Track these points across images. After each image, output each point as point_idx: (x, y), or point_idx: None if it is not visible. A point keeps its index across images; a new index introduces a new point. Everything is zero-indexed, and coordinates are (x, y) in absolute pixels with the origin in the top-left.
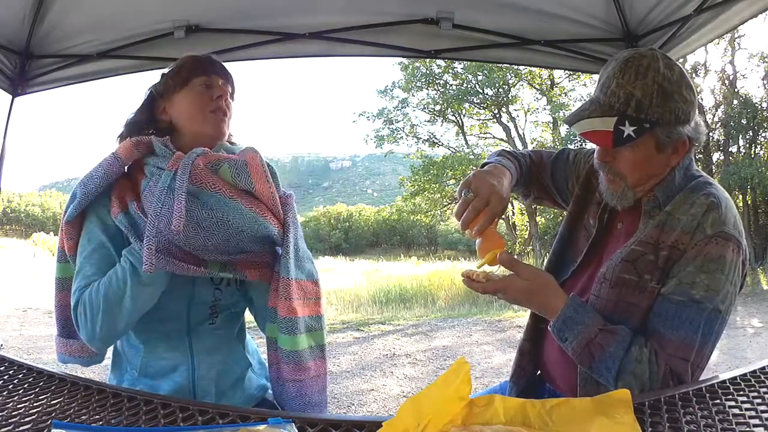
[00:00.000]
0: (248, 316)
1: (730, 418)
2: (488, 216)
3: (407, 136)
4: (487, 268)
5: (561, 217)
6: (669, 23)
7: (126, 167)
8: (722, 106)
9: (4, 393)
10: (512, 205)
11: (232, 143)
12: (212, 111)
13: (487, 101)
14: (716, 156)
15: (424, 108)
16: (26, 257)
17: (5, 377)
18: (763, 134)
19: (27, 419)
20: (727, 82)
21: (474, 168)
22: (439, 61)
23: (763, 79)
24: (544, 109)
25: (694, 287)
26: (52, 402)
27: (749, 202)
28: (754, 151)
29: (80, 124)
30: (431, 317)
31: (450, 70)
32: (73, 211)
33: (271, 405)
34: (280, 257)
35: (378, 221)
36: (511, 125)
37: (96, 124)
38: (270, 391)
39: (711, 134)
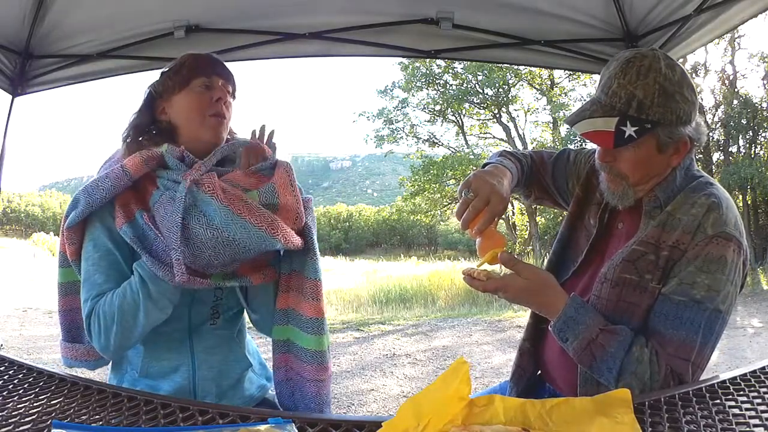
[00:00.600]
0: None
1: (730, 418)
2: (488, 215)
3: (407, 136)
4: (487, 267)
5: (561, 217)
6: (669, 23)
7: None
8: (722, 106)
9: (4, 393)
10: (512, 205)
11: (232, 136)
12: (211, 115)
13: (487, 101)
14: (716, 156)
15: (424, 108)
16: (26, 257)
17: (5, 377)
18: (763, 134)
19: (27, 419)
20: (727, 82)
21: (474, 168)
22: (439, 61)
23: (763, 79)
24: (544, 109)
25: (695, 287)
26: (52, 402)
27: (749, 202)
28: (754, 151)
29: (80, 124)
30: (431, 317)
31: (450, 70)
32: (75, 217)
33: (271, 405)
34: (306, 259)
35: (378, 221)
36: (511, 125)
37: (96, 124)
38: (271, 392)
39: (711, 134)
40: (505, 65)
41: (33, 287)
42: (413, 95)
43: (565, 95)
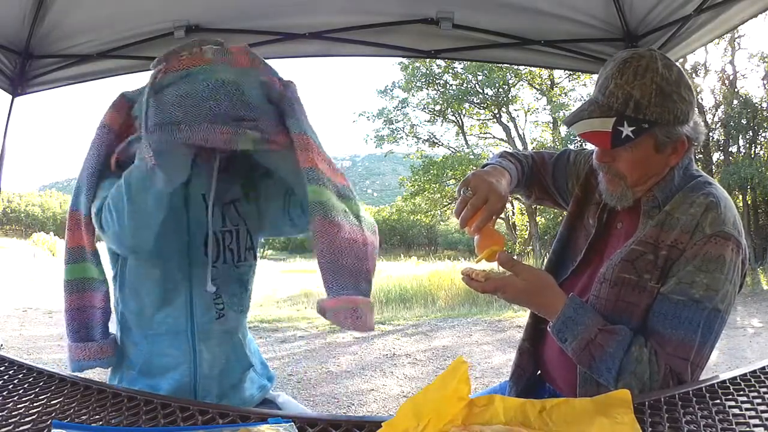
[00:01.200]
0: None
1: (730, 418)
2: (486, 213)
3: (407, 136)
4: (486, 265)
5: (561, 217)
6: (669, 23)
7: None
8: (722, 106)
9: (4, 393)
10: (512, 205)
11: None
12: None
13: (487, 101)
14: (716, 156)
15: (424, 108)
16: (26, 257)
17: (5, 377)
18: (763, 134)
19: (27, 419)
20: (727, 82)
21: (474, 168)
22: (439, 61)
23: (763, 79)
24: (544, 109)
25: (694, 287)
26: (52, 402)
27: (749, 202)
28: (754, 151)
29: (80, 124)
30: (431, 317)
31: (450, 70)
32: (86, 199)
33: (271, 405)
34: (286, 116)
35: (378, 221)
36: (511, 125)
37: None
38: (271, 392)
39: (711, 134)
40: (505, 65)
41: (33, 287)
42: (413, 95)
43: (565, 95)
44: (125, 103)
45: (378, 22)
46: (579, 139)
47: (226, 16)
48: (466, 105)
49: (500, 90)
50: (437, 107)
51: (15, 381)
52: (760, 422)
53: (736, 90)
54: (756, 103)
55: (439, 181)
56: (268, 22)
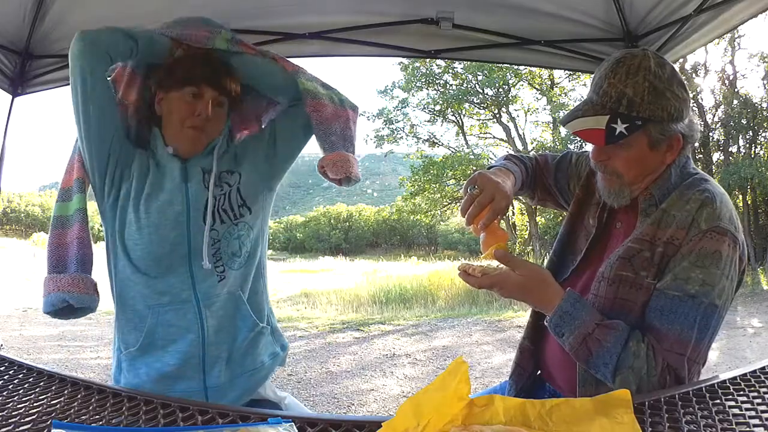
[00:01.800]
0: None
1: (730, 418)
2: (492, 211)
3: (407, 136)
4: (490, 263)
5: (561, 217)
6: (669, 23)
7: None
8: (722, 106)
9: (4, 393)
10: (512, 205)
11: None
12: (189, 126)
13: (487, 101)
14: (716, 156)
15: (424, 108)
16: (26, 257)
17: (5, 377)
18: (763, 134)
19: (27, 419)
20: (727, 82)
21: (474, 168)
22: (439, 61)
23: (763, 79)
24: (544, 109)
25: (689, 282)
26: (52, 402)
27: (749, 202)
28: (754, 151)
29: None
30: (431, 317)
31: (450, 70)
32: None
33: (270, 405)
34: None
35: (378, 221)
36: (511, 125)
37: None
38: (278, 393)
39: (711, 134)
40: (505, 65)
41: (33, 287)
42: (413, 95)
43: (565, 95)
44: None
45: (378, 22)
46: (578, 139)
47: (227, 16)
48: (466, 105)
49: (500, 90)
50: (437, 107)
51: (15, 381)
52: (760, 422)
53: (736, 90)
54: (756, 103)
55: (439, 181)
56: (268, 22)
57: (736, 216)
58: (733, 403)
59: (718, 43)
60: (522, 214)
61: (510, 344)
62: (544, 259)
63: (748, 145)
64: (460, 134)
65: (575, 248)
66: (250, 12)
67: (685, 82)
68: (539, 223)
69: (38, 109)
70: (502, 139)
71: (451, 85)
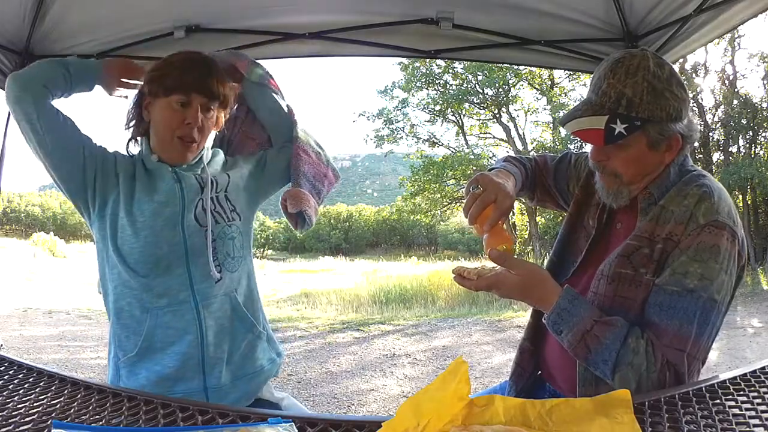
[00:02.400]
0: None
1: (730, 418)
2: (496, 212)
3: (407, 136)
4: (488, 264)
5: (561, 218)
6: (669, 23)
7: None
8: (722, 106)
9: (4, 393)
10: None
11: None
12: (179, 137)
13: (487, 101)
14: (716, 156)
15: (424, 108)
16: (26, 257)
17: (5, 377)
18: (763, 134)
19: (27, 419)
20: (727, 82)
21: (474, 168)
22: (439, 61)
23: (763, 79)
24: (544, 109)
25: (688, 276)
26: (52, 402)
27: (749, 202)
28: (754, 151)
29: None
30: (431, 317)
31: (450, 70)
32: None
33: (270, 405)
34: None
35: (378, 221)
36: (511, 125)
37: (96, 124)
38: (276, 393)
39: (711, 134)
40: (505, 65)
41: (33, 287)
42: (413, 95)
43: (565, 95)
44: None
45: (378, 22)
46: (578, 139)
47: (226, 16)
48: (466, 105)
49: (500, 90)
50: (437, 107)
51: (15, 381)
52: (760, 422)
53: (736, 90)
54: (756, 103)
55: (439, 181)
56: (268, 22)
57: (735, 211)
58: (733, 403)
59: (718, 43)
60: (522, 214)
61: (510, 344)
62: (544, 260)
63: (748, 145)
64: (460, 134)
65: (575, 249)
66: (250, 12)
67: (685, 82)
68: (539, 223)
69: None
70: (502, 139)
71: (451, 85)
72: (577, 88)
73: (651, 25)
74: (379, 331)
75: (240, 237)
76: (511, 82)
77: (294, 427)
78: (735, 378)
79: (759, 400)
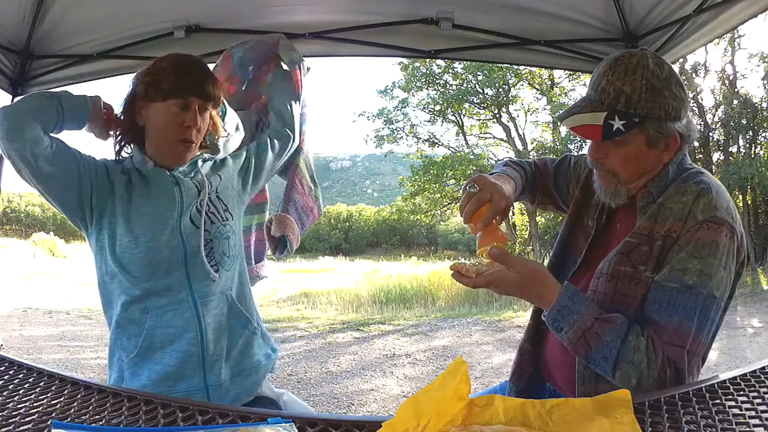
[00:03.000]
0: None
1: (730, 418)
2: (491, 211)
3: (407, 136)
4: (485, 260)
5: (561, 218)
6: (669, 23)
7: None
8: (722, 106)
9: (5, 393)
10: (512, 206)
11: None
12: (180, 140)
13: (487, 101)
14: (716, 156)
15: (424, 108)
16: (26, 257)
17: (5, 377)
18: (763, 134)
19: (27, 419)
20: (727, 82)
21: (474, 168)
22: (439, 61)
23: (763, 79)
24: (544, 109)
25: (687, 273)
26: (52, 402)
27: (749, 202)
28: (754, 151)
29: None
30: (431, 317)
31: (450, 70)
32: None
33: (269, 402)
34: None
35: (378, 221)
36: (511, 125)
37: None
38: (275, 389)
39: (711, 134)
40: (505, 65)
41: (33, 287)
42: (413, 95)
43: (565, 95)
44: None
45: (378, 22)
46: (579, 139)
47: (226, 16)
48: (466, 105)
49: (500, 90)
50: (437, 107)
51: (15, 381)
52: (760, 422)
53: (736, 90)
54: (756, 103)
55: (439, 181)
56: (268, 22)
57: (733, 207)
58: (733, 403)
59: (718, 43)
60: (522, 214)
61: (510, 344)
62: (544, 260)
63: (748, 145)
64: (460, 134)
65: (575, 250)
66: (250, 12)
67: (685, 82)
68: (539, 223)
69: None
70: (502, 139)
71: (451, 85)
72: (577, 88)
73: (651, 25)
74: (379, 331)
75: (233, 236)
76: (511, 82)
77: (294, 427)
78: (735, 378)
79: (759, 400)
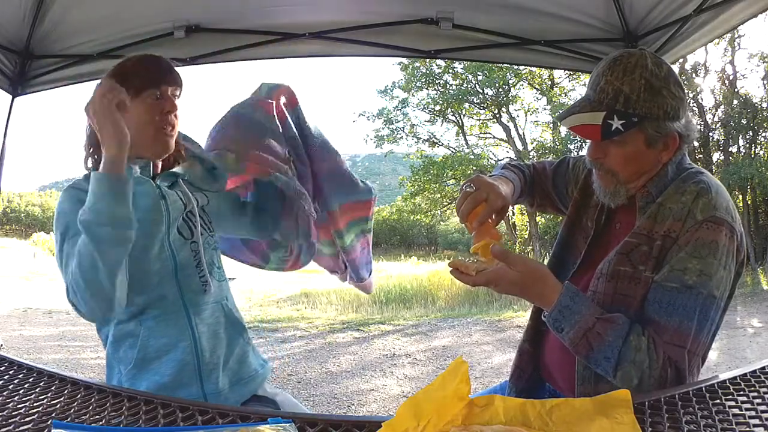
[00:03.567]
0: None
1: (730, 418)
2: (487, 209)
3: (407, 136)
4: (480, 259)
5: (561, 218)
6: (669, 23)
7: None
8: (722, 106)
9: (5, 393)
10: (512, 207)
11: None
12: (163, 128)
13: (487, 101)
14: (716, 156)
15: (424, 108)
16: (26, 257)
17: (5, 377)
18: (763, 134)
19: (27, 419)
20: (727, 82)
21: (474, 168)
22: (439, 61)
23: (763, 79)
24: (544, 109)
25: (687, 273)
26: (52, 402)
27: (749, 202)
28: (754, 151)
29: (80, 124)
30: (431, 317)
31: (450, 70)
32: None
33: (266, 400)
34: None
35: (378, 221)
36: (511, 125)
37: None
38: (268, 389)
39: (711, 134)
40: (505, 65)
41: (33, 287)
42: (413, 95)
43: (565, 95)
44: None
45: (378, 22)
46: (579, 139)
47: (226, 16)
48: (466, 105)
49: (500, 90)
50: (437, 107)
51: (15, 381)
52: (760, 422)
53: (736, 90)
54: (756, 103)
55: (439, 181)
56: (268, 22)
57: (733, 207)
58: (733, 403)
59: (718, 43)
60: (522, 214)
61: (510, 344)
62: (544, 260)
63: (748, 145)
64: (460, 134)
65: (575, 250)
66: (250, 12)
67: (685, 82)
68: (539, 223)
69: (38, 109)
70: (502, 139)
71: (451, 85)
72: (577, 88)
73: (651, 25)
74: (379, 331)
75: (217, 245)
76: (511, 82)
77: (294, 427)
78: (735, 378)
79: (759, 400)
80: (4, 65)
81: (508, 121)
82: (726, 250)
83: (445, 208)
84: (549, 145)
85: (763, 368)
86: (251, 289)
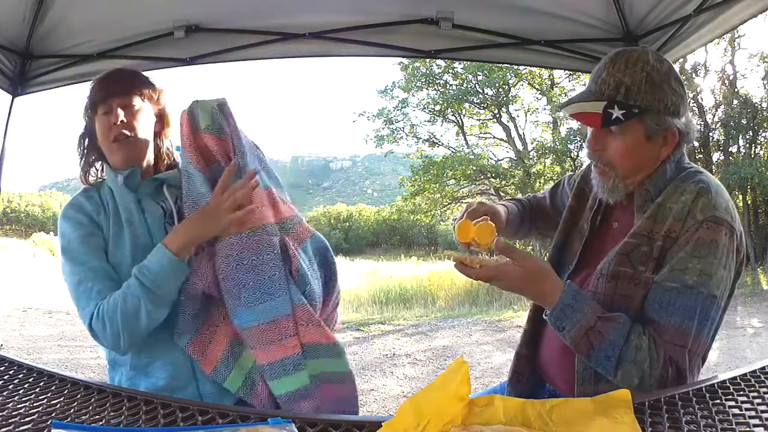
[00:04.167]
0: None
1: (730, 418)
2: (467, 208)
3: (407, 136)
4: (483, 256)
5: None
6: (669, 23)
7: None
8: (722, 106)
9: (4, 393)
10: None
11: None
12: (113, 141)
13: (487, 101)
14: (716, 156)
15: (424, 108)
16: (26, 257)
17: (5, 377)
18: (763, 134)
19: (27, 419)
20: (727, 82)
21: (474, 168)
22: (439, 61)
23: (763, 79)
24: (544, 109)
25: (687, 273)
26: (52, 402)
27: (749, 202)
28: (754, 151)
29: (80, 124)
30: (431, 317)
31: (450, 70)
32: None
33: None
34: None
35: (378, 221)
36: (511, 125)
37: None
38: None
39: (711, 134)
40: (505, 65)
41: (33, 287)
42: (413, 95)
43: (565, 95)
44: None
45: (378, 22)
46: (579, 139)
47: (226, 16)
48: (466, 105)
49: (500, 90)
50: (437, 107)
51: (15, 381)
52: (760, 422)
53: (736, 90)
54: (756, 103)
55: (439, 181)
56: (268, 22)
57: (732, 206)
58: (733, 403)
59: (718, 43)
60: None
61: (510, 344)
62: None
63: (748, 145)
64: (460, 134)
65: (571, 251)
66: (250, 12)
67: (685, 82)
68: None
69: (38, 109)
70: (502, 139)
71: (451, 85)
72: (577, 88)
73: (651, 25)
74: (379, 331)
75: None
76: (511, 82)
77: (294, 427)
78: (735, 378)
79: (759, 400)
80: (4, 65)
81: (508, 121)
82: (726, 250)
83: (445, 208)
84: (549, 145)
85: (763, 368)
86: None
